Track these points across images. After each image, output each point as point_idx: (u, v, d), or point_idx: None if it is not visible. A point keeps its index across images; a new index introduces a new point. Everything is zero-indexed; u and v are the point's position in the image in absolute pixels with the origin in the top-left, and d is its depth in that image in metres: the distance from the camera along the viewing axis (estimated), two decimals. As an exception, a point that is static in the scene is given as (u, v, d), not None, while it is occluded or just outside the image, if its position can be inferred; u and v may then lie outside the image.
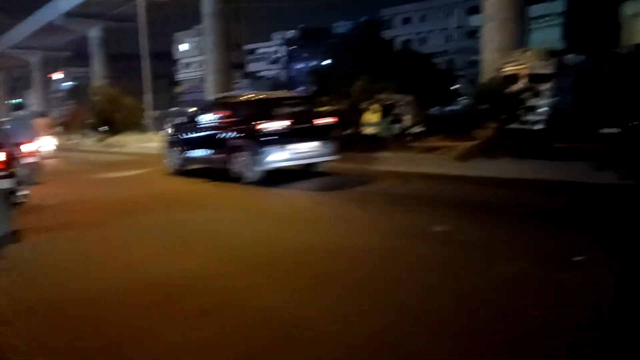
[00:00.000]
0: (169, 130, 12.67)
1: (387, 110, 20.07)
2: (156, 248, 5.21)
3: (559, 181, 8.08)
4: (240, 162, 9.40)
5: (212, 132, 10.24)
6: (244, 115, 9.56)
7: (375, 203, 7.14)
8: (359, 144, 12.37)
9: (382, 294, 3.63)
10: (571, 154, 9.15)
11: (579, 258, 4.19)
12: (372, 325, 3.11)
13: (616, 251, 4.39)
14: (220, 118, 10.19)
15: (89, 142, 22.55)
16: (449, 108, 26.14)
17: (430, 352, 2.79)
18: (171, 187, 10.25)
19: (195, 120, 11.12)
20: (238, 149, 9.43)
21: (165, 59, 69.18)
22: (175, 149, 11.56)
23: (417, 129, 20.77)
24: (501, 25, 21.14)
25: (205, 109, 11.30)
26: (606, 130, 13.45)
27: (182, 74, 72.67)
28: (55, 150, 18.43)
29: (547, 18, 36.19)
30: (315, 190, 8.76)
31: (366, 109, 13.59)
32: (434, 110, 25.78)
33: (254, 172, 9.19)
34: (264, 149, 9.01)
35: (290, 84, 66.37)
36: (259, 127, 9.06)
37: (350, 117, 13.41)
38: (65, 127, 28.30)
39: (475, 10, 42.83)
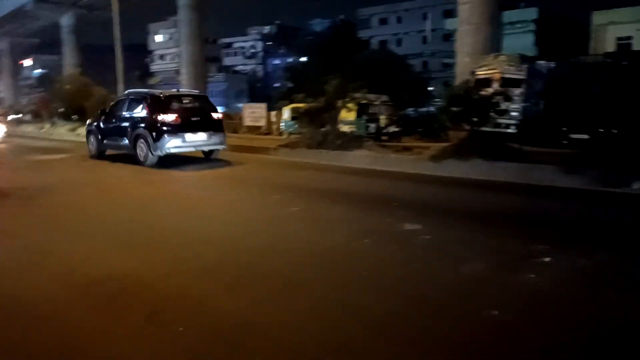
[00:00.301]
0: (88, 121, 14.43)
1: (362, 110, 20.22)
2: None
3: (527, 184, 8.28)
4: (143, 148, 11.20)
5: (123, 123, 11.95)
6: (147, 109, 11.31)
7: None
8: (335, 141, 12.42)
9: (327, 294, 3.66)
10: (540, 158, 9.38)
11: (540, 259, 4.31)
12: (319, 325, 3.15)
13: (578, 252, 4.52)
14: (129, 111, 11.93)
15: (61, 131, 21.99)
16: (423, 109, 26.52)
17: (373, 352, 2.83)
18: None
19: (110, 112, 12.79)
20: (142, 137, 11.20)
21: (139, 50, 68.05)
22: (93, 137, 13.26)
23: (392, 129, 21.00)
24: (475, 29, 21.48)
25: (118, 103, 12.80)
26: (576, 136, 13.84)
27: (156, 66, 71.53)
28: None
29: (520, 25, 36.90)
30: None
31: (342, 107, 13.64)
32: (409, 111, 26.07)
33: (153, 156, 11.01)
34: (161, 137, 10.83)
35: (266, 79, 66.10)
36: (158, 119, 10.92)
37: (325, 115, 13.46)
38: (35, 115, 27.61)
39: (450, 14, 43.46)
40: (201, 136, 11.36)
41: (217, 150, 12.21)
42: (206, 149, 12.07)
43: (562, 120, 14.76)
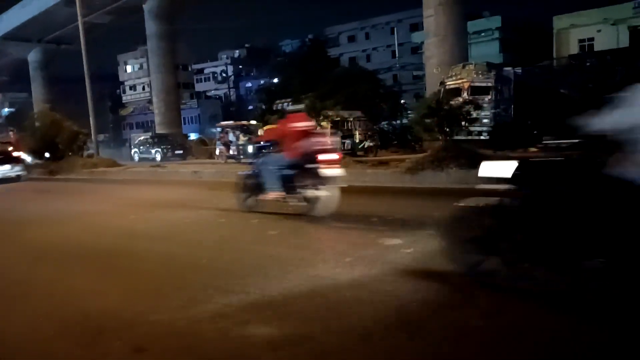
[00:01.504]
0: None
1: (336, 126, 20.34)
2: None
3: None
4: None
5: None
6: None
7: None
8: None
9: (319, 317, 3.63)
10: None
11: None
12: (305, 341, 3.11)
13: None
14: None
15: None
16: (397, 122, 26.80)
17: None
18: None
19: None
20: None
21: (110, 80, 67.58)
22: None
23: (367, 144, 21.18)
24: (441, 41, 21.95)
25: None
26: (547, 139, 14.12)
27: (128, 96, 71.09)
28: None
29: (485, 33, 37.76)
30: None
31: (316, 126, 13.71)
32: (384, 124, 26.33)
33: None
34: None
35: (239, 102, 66.14)
36: None
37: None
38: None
39: (417, 27, 44.27)
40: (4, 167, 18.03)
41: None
42: (10, 176, 18.20)
43: (532, 124, 15.07)
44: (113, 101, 68.65)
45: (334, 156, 7.27)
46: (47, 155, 22.87)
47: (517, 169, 3.65)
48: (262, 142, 8.66)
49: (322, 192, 7.01)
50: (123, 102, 70.56)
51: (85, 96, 22.58)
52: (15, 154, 14.88)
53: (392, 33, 50.32)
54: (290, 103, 12.73)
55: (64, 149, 22.00)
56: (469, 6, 25.59)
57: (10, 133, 22.40)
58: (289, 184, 7.26)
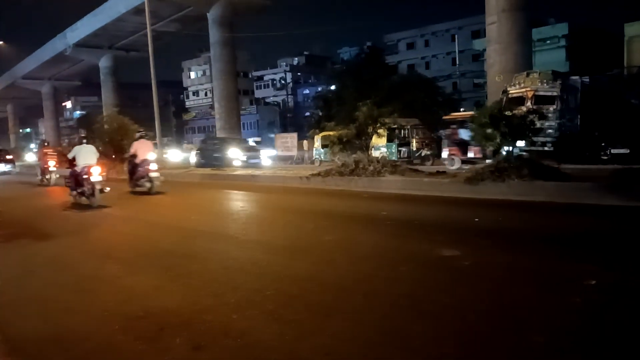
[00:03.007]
0: None
1: (393, 134, 20.17)
2: None
3: (569, 203, 8.05)
4: None
5: None
6: None
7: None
8: (367, 167, 12.42)
9: (371, 323, 3.60)
10: (580, 175, 9.14)
11: (590, 282, 4.15)
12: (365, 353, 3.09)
13: (631, 274, 4.34)
14: None
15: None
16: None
17: None
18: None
19: None
20: None
21: (174, 86, 70.18)
22: None
23: (424, 152, 20.89)
24: (504, 48, 21.38)
25: None
26: (616, 151, 13.46)
27: (191, 101, 73.50)
28: None
29: (550, 41, 36.49)
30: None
31: (373, 133, 13.67)
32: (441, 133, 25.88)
33: None
34: None
35: (296, 109, 66.93)
36: None
37: (357, 142, 13.53)
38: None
39: (478, 34, 43.36)
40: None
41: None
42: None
43: (600, 135, 14.40)
44: (177, 106, 71.18)
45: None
46: (113, 157, 23.97)
47: None
48: None
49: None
50: (186, 107, 73.03)
51: (151, 101, 23.53)
52: (8, 157, 15.95)
53: (453, 40, 49.54)
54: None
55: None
56: (533, 13, 24.82)
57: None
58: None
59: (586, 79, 16.25)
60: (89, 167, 10.94)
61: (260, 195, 12.30)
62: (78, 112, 76.65)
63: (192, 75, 72.83)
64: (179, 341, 3.42)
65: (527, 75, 16.10)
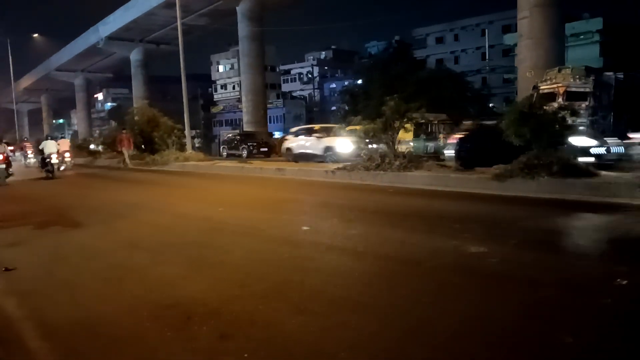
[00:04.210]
0: None
1: (420, 129, 19.97)
2: None
3: (603, 202, 7.86)
4: None
5: None
6: None
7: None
8: (393, 162, 12.36)
9: (396, 318, 3.59)
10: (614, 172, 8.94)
11: (621, 283, 4.06)
12: (389, 349, 3.10)
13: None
14: None
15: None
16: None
17: None
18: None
19: None
20: None
21: (202, 80, 70.81)
22: None
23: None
24: (536, 43, 20.96)
25: None
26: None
27: (219, 95, 74.09)
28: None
29: (584, 36, 35.59)
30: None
31: (400, 128, 13.56)
32: (469, 128, 25.52)
33: None
34: None
35: (323, 103, 66.86)
36: None
37: (383, 136, 13.46)
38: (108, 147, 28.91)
39: (509, 29, 42.56)
40: None
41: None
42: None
43: (633, 132, 14.02)
44: (205, 99, 71.82)
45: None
46: (142, 147, 24.41)
47: None
48: None
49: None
50: (214, 100, 73.65)
51: (180, 94, 23.81)
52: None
53: (483, 35, 48.71)
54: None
55: (160, 143, 23.38)
56: (567, 8, 24.24)
57: (123, 131, 24.17)
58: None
59: (620, 76, 15.79)
60: (51, 154, 18.11)
61: (285, 189, 12.37)
62: (109, 104, 78.03)
63: (221, 68, 73.33)
64: (206, 330, 3.49)
65: (559, 70, 15.72)
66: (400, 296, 4.02)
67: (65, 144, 22.69)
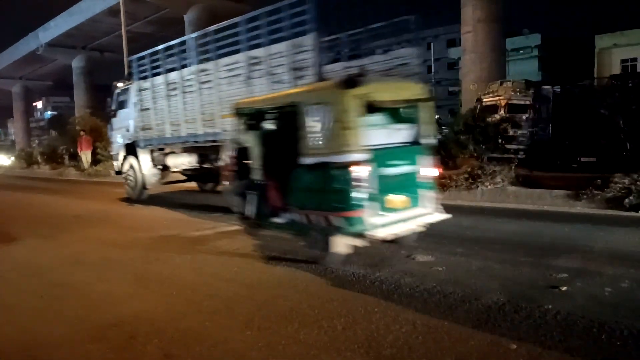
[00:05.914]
0: None
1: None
2: None
3: (537, 211, 8.21)
4: None
5: None
6: None
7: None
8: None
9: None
10: (550, 183, 9.33)
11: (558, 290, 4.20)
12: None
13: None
14: None
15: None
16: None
17: None
18: None
19: None
20: None
21: (148, 89, 69.07)
22: None
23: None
24: (479, 57, 21.69)
25: None
26: (585, 159, 13.78)
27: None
28: None
29: (524, 51, 37.19)
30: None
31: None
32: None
33: None
34: None
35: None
36: None
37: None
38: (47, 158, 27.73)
39: (454, 43, 43.96)
40: None
41: None
42: None
43: (570, 143, 14.71)
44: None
45: None
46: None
47: None
48: None
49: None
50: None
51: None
52: None
53: (429, 48, 50.07)
54: None
55: (102, 153, 22.60)
56: (508, 24, 25.26)
57: (82, 133, 23.17)
58: None
59: (558, 89, 16.55)
60: None
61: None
62: (49, 113, 74.99)
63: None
64: (150, 349, 3.37)
65: (501, 84, 16.32)
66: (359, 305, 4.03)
67: None
